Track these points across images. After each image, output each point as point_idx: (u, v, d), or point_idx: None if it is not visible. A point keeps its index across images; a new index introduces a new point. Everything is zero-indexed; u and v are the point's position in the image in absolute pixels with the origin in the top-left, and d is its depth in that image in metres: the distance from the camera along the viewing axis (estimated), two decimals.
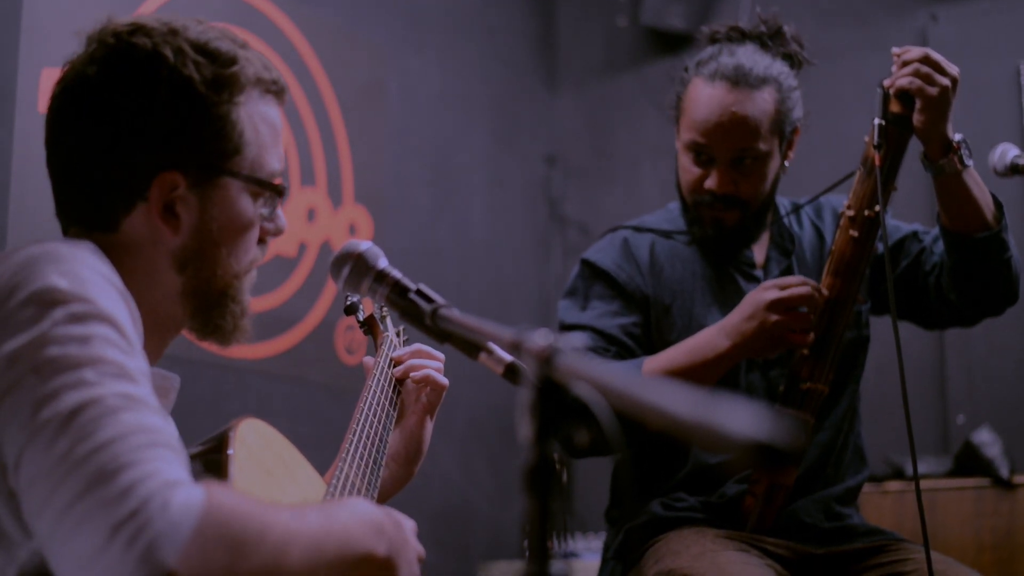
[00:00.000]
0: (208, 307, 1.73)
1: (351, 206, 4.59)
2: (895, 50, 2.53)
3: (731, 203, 2.73)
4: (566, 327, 2.79)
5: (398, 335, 2.31)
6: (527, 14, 5.78)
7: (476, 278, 5.24)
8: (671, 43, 5.48)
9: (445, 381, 2.17)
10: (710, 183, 2.72)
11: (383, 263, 1.71)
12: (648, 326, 2.78)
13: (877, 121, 2.50)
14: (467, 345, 1.62)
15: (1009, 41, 4.65)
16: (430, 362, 2.18)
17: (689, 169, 2.76)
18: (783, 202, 2.91)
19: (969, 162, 2.53)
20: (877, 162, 2.48)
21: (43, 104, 3.53)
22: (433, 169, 5.11)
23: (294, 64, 4.41)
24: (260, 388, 4.16)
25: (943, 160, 2.52)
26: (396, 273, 1.69)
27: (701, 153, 2.72)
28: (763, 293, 2.50)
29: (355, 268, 1.70)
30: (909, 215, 3.05)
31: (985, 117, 4.60)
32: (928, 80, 2.46)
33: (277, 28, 4.33)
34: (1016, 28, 4.67)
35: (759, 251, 2.85)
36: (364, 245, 1.71)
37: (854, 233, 2.54)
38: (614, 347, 2.71)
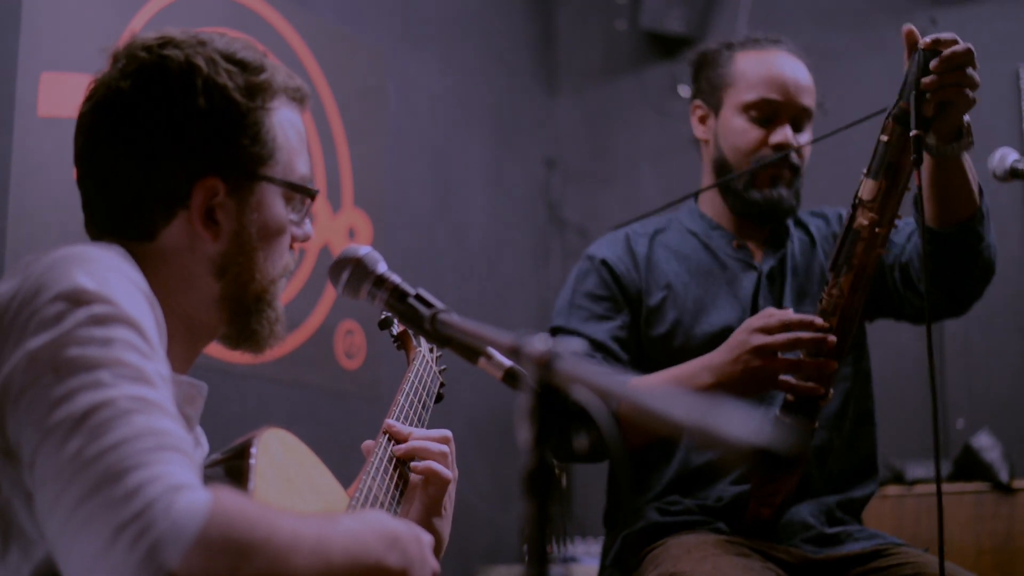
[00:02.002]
0: (245, 313, 1.75)
1: (350, 210, 4.59)
2: (926, 40, 2.42)
3: (793, 163, 2.81)
4: (553, 329, 2.83)
5: (431, 350, 2.29)
6: (526, 18, 5.78)
7: (475, 282, 5.24)
8: (670, 47, 5.49)
9: (448, 474, 1.95)
10: (777, 137, 2.79)
11: (382, 267, 1.71)
12: (637, 325, 2.79)
13: (913, 132, 2.29)
14: (466, 350, 1.61)
15: (1008, 44, 4.65)
16: (432, 444, 1.96)
17: (749, 130, 2.82)
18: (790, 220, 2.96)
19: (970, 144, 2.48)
20: (918, 181, 2.32)
21: (43, 108, 3.53)
22: (432, 173, 5.11)
23: (293, 68, 4.40)
24: (260, 392, 4.16)
25: (953, 144, 2.43)
26: (395, 278, 1.69)
27: (765, 112, 2.80)
28: (749, 337, 2.45)
29: (354, 273, 1.70)
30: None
31: (984, 121, 4.58)
32: (972, 84, 2.37)
33: (276, 32, 4.33)
34: (1015, 31, 4.67)
35: (756, 250, 2.88)
36: (363, 249, 1.72)
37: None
38: (600, 353, 2.73)
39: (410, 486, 1.95)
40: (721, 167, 2.87)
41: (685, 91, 5.42)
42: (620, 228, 2.95)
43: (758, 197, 2.83)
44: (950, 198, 2.54)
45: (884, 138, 2.39)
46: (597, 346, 2.73)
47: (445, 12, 5.27)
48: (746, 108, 2.82)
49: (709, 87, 2.91)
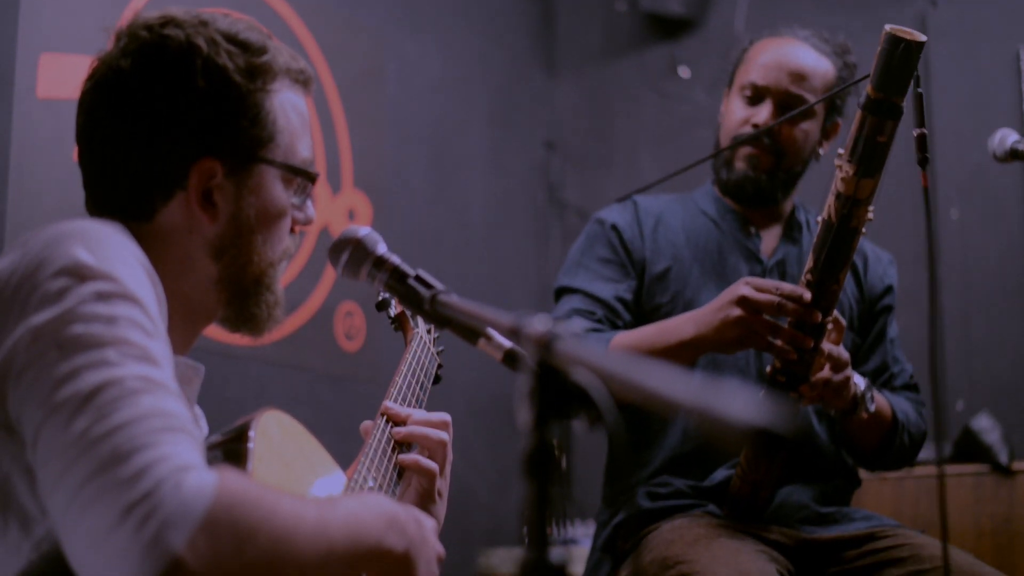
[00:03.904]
0: (243, 295, 1.75)
1: (350, 191, 4.59)
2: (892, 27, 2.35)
3: (771, 145, 2.81)
4: (560, 288, 2.88)
5: (428, 332, 2.29)
6: None
7: (475, 263, 5.23)
8: (670, 28, 5.47)
9: (434, 466, 1.92)
10: (757, 118, 2.80)
11: (382, 248, 1.70)
12: (640, 292, 2.82)
13: (918, 131, 2.30)
14: (466, 331, 1.61)
15: (1008, 25, 4.64)
16: (431, 432, 1.94)
17: (737, 111, 2.85)
18: (804, 213, 2.98)
19: (872, 407, 2.60)
20: (924, 182, 2.31)
21: (42, 89, 3.52)
22: (432, 154, 5.10)
23: (292, 49, 4.40)
24: (259, 374, 4.16)
25: (851, 414, 2.61)
26: (395, 259, 1.69)
27: (754, 96, 2.82)
28: (738, 287, 2.46)
29: (354, 254, 1.70)
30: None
31: (984, 102, 4.59)
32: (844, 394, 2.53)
33: (275, 12, 4.32)
34: (1015, 13, 4.66)
35: (769, 239, 2.88)
36: (363, 231, 1.71)
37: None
38: (601, 310, 2.76)
39: (408, 469, 1.95)
40: (715, 147, 2.89)
41: (685, 72, 5.41)
42: (628, 197, 2.97)
43: (725, 176, 2.88)
44: (859, 437, 2.76)
45: (882, 139, 2.32)
46: (601, 303, 2.77)
47: None
48: (741, 89, 2.85)
49: (730, 74, 2.94)
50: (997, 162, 2.58)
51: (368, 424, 1.97)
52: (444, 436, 1.95)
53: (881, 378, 2.86)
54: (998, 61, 4.61)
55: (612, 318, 2.76)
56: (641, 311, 2.80)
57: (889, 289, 2.94)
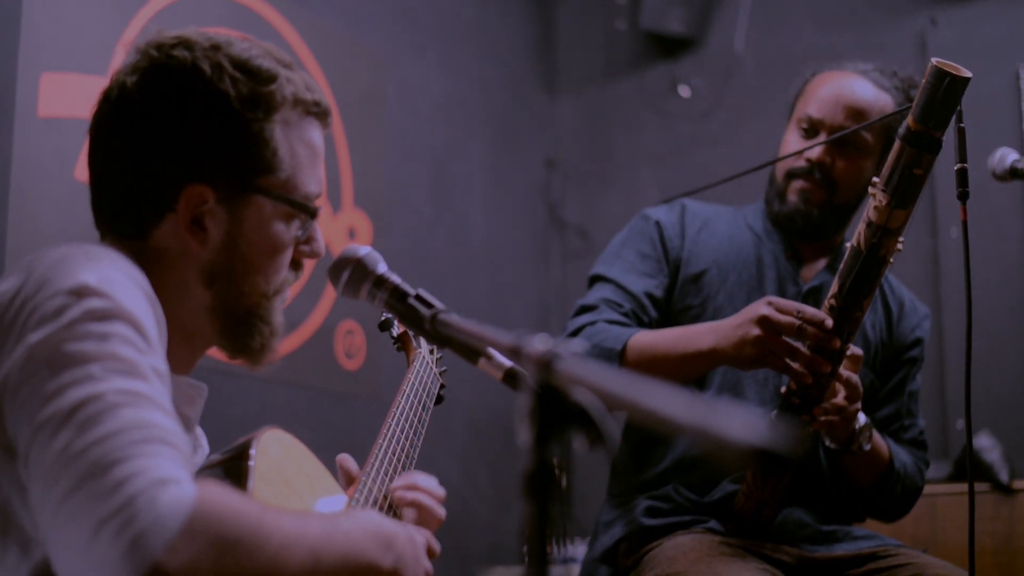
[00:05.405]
0: (236, 325, 1.74)
1: (350, 211, 4.59)
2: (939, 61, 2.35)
3: (823, 180, 2.79)
4: (594, 276, 2.88)
5: (431, 352, 2.28)
6: (526, 19, 5.78)
7: (475, 282, 5.24)
8: (670, 47, 5.48)
9: (441, 512, 1.92)
10: (811, 152, 2.78)
11: (382, 268, 1.70)
12: (672, 290, 2.83)
13: (958, 166, 2.37)
14: (467, 350, 1.61)
15: (1008, 44, 4.65)
16: (437, 508, 1.92)
17: (793, 143, 2.83)
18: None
19: (867, 445, 2.60)
20: (963, 216, 2.35)
21: (43, 108, 3.53)
22: (432, 174, 5.11)
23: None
24: (260, 393, 4.15)
25: (848, 447, 2.60)
26: (395, 278, 1.69)
27: (810, 128, 2.80)
28: (759, 306, 2.45)
29: (354, 273, 1.70)
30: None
31: (984, 120, 4.59)
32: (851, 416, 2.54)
33: (277, 33, 4.33)
34: (1015, 31, 4.67)
35: (812, 266, 2.88)
36: (363, 250, 1.71)
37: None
38: (629, 304, 2.78)
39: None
40: (770, 178, 2.88)
41: (685, 91, 5.42)
42: (679, 199, 2.99)
43: (777, 208, 2.86)
44: (854, 474, 2.74)
45: (918, 172, 2.32)
46: (630, 296, 2.78)
47: (445, 15, 5.27)
48: (799, 122, 2.84)
49: (791, 105, 2.93)
50: (997, 181, 2.58)
51: (344, 457, 1.96)
52: (443, 514, 1.93)
53: (891, 427, 2.84)
54: (998, 80, 4.62)
55: (639, 313, 2.77)
56: (671, 310, 2.82)
57: (918, 342, 2.92)
